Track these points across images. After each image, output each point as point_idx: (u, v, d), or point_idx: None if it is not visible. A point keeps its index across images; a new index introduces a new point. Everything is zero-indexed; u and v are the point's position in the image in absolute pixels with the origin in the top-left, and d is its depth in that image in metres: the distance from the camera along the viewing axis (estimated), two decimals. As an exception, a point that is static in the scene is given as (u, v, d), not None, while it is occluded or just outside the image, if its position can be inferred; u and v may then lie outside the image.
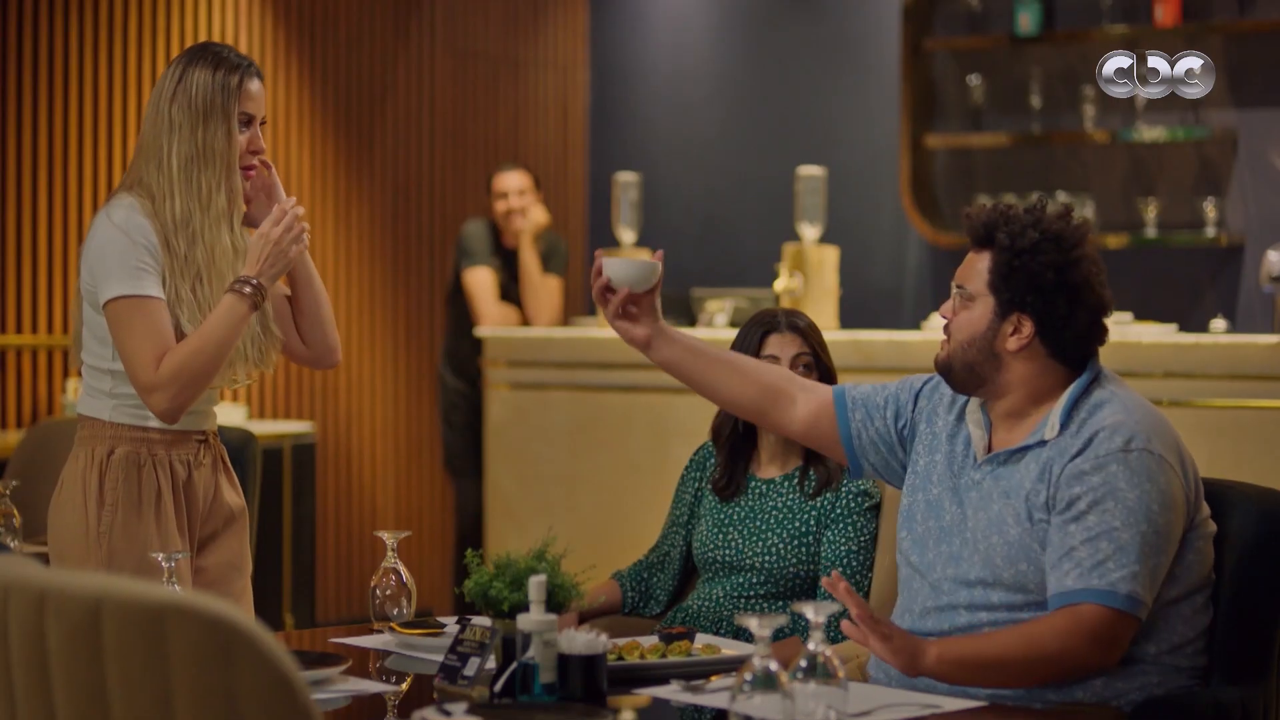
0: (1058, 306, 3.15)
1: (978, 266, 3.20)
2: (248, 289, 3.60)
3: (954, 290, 3.24)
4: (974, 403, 3.29)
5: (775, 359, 3.87)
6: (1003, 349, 3.17)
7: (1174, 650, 3.14)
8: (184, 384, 3.57)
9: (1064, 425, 3.14)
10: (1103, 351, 6.18)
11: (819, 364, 3.91)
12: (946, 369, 3.24)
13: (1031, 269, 3.13)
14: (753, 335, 3.92)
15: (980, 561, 3.17)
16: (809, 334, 3.92)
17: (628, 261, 3.46)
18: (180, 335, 3.60)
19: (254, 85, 3.70)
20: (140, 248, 3.57)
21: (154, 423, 3.66)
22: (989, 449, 3.25)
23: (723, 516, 3.92)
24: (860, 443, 3.44)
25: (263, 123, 3.74)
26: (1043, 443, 3.15)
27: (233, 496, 3.84)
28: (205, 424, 3.76)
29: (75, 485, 3.67)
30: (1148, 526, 3.02)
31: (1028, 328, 3.16)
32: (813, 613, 2.45)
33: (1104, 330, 3.24)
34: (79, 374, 3.75)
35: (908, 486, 3.36)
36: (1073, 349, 3.19)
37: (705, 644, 3.32)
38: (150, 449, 3.66)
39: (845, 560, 3.77)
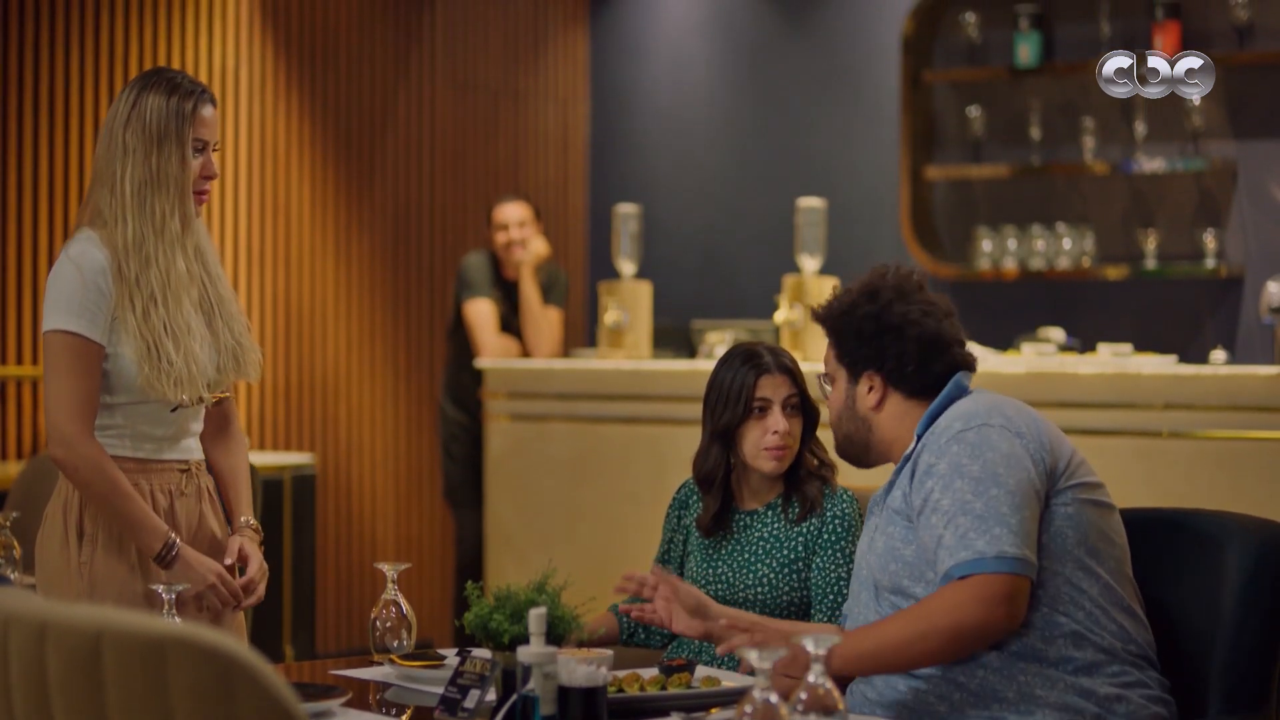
0: (887, 348, 3.36)
1: (826, 350, 3.48)
2: (162, 551, 3.64)
3: (819, 384, 3.52)
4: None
5: (768, 401, 3.86)
6: (865, 410, 3.40)
7: (1076, 634, 3.13)
8: (79, 476, 3.62)
9: (920, 436, 3.30)
10: (1104, 382, 6.20)
11: (804, 402, 3.91)
12: (841, 452, 3.50)
13: (853, 326, 3.39)
14: (746, 378, 3.87)
15: (892, 591, 3.24)
16: (795, 373, 3.91)
17: None
18: (121, 362, 3.62)
19: (208, 111, 3.71)
20: (91, 286, 3.60)
21: (133, 453, 3.67)
22: None
23: (711, 552, 3.91)
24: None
25: (215, 148, 3.75)
26: (907, 457, 3.31)
27: (218, 527, 3.84)
28: (187, 453, 3.77)
29: (56, 518, 3.69)
30: (998, 489, 3.13)
31: (877, 380, 3.39)
32: (812, 645, 2.45)
33: (955, 357, 3.39)
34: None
35: None
36: (920, 383, 3.38)
37: (706, 676, 3.32)
38: (130, 479, 3.66)
39: (834, 586, 3.77)
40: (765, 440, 3.84)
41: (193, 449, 3.79)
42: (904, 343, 3.35)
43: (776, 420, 3.85)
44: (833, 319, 3.42)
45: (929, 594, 3.14)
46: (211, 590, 3.70)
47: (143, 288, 3.63)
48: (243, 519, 3.85)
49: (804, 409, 3.91)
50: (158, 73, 3.73)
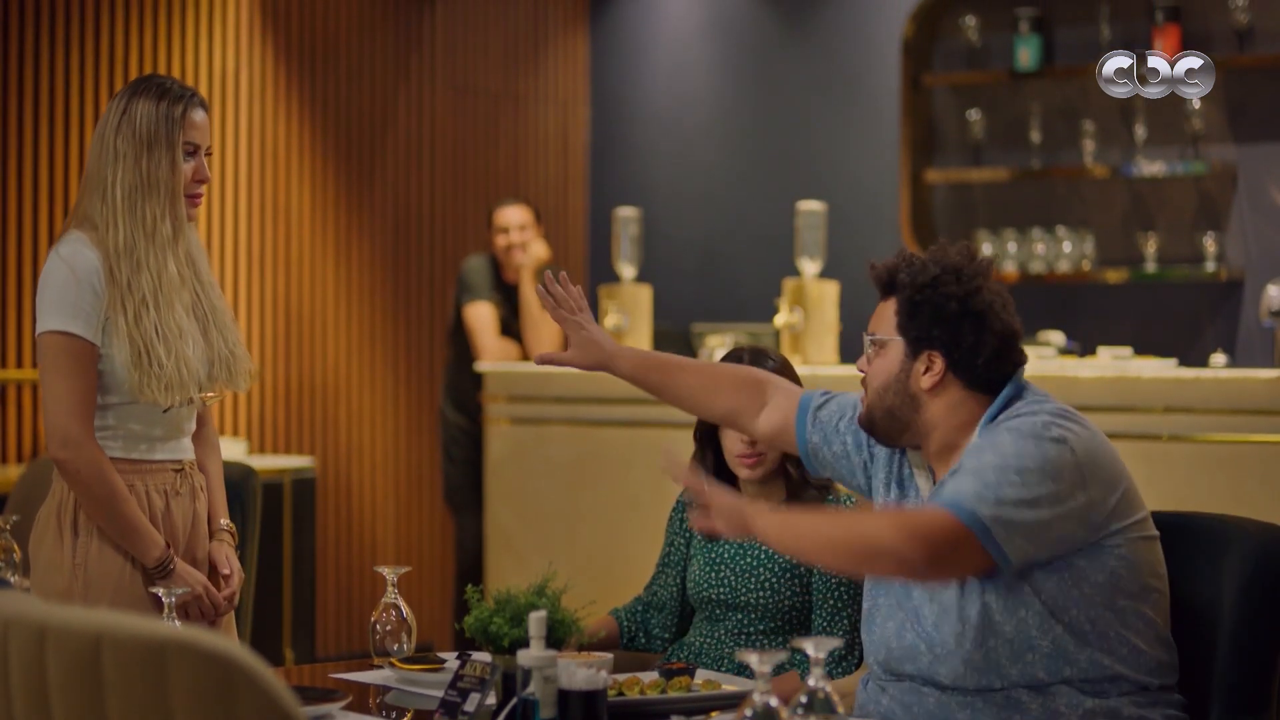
0: (964, 335, 3.20)
1: (885, 313, 3.28)
2: (158, 562, 3.64)
3: (866, 341, 3.31)
4: (913, 455, 3.33)
5: None
6: (918, 389, 3.23)
7: (1135, 661, 3.11)
8: (79, 478, 3.61)
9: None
10: (1104, 386, 6.20)
11: None
12: (869, 421, 3.30)
13: (934, 301, 3.20)
14: None
15: (940, 621, 3.18)
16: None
17: None
18: (112, 364, 3.62)
19: (198, 115, 3.73)
20: (85, 286, 3.61)
21: (126, 453, 3.68)
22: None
23: (713, 555, 3.90)
24: (817, 458, 3.51)
25: (208, 152, 3.76)
26: None
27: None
28: (181, 453, 3.78)
29: (50, 519, 3.70)
30: (1018, 478, 3.03)
31: (939, 364, 3.21)
32: (813, 648, 2.45)
33: (1019, 354, 3.26)
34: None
35: None
36: (985, 376, 3.22)
37: (705, 679, 3.32)
38: (125, 480, 3.67)
39: (835, 592, 3.76)
40: (735, 448, 3.87)
41: (186, 448, 3.79)
42: (983, 333, 3.19)
43: None
44: (912, 289, 3.22)
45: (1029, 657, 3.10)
46: (196, 601, 3.72)
47: (134, 292, 3.64)
48: (221, 522, 3.87)
49: None
50: (147, 79, 3.76)
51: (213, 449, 3.94)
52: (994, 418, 3.18)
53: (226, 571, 3.80)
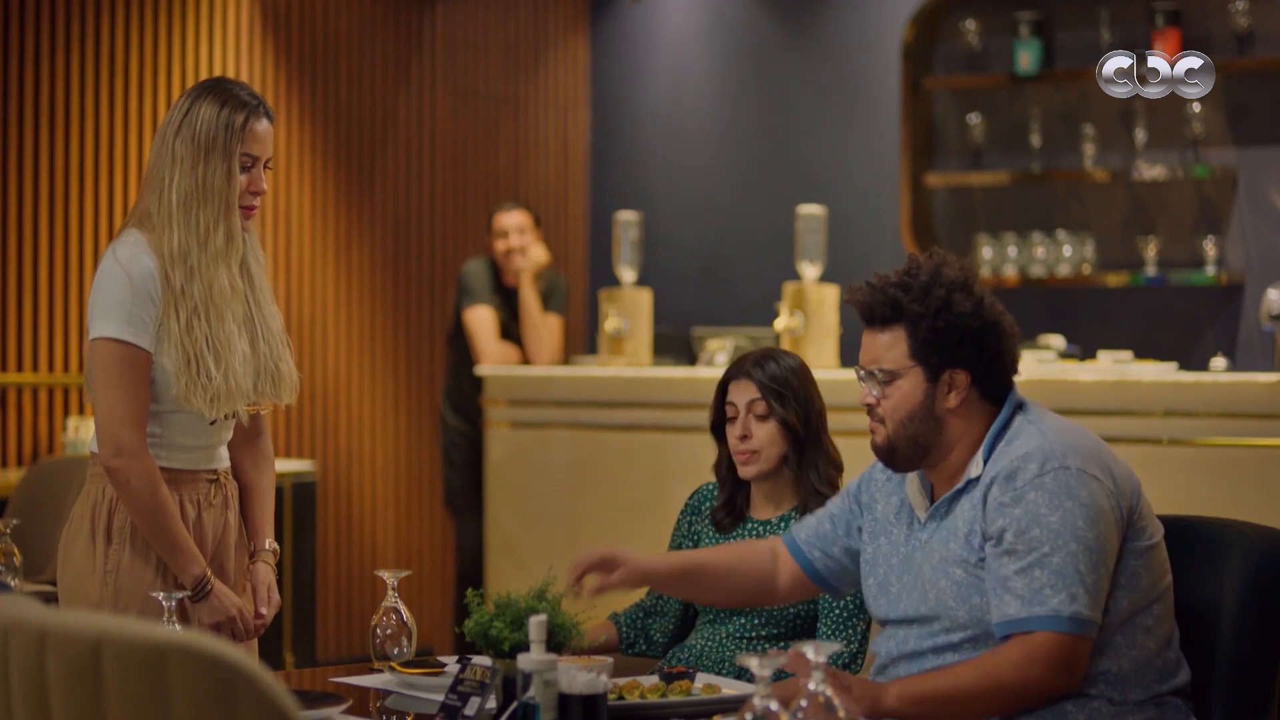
0: (987, 346, 3.19)
1: (886, 344, 3.22)
2: (196, 581, 3.61)
3: (867, 374, 3.24)
4: (909, 479, 3.32)
5: (735, 406, 3.88)
6: (943, 410, 3.20)
7: (1143, 666, 3.12)
8: (130, 488, 3.57)
9: (986, 460, 3.18)
10: (1104, 389, 6.20)
11: (775, 413, 3.87)
12: (889, 452, 3.25)
13: (955, 323, 3.16)
14: (722, 383, 3.94)
15: (933, 607, 3.19)
16: (762, 382, 3.86)
17: None
18: (162, 371, 3.59)
19: (261, 126, 3.65)
20: (141, 293, 3.55)
21: (164, 461, 3.65)
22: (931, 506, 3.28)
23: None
24: (830, 574, 3.48)
25: (268, 165, 3.70)
26: (972, 482, 3.18)
27: (238, 535, 3.83)
28: (216, 462, 3.75)
29: (84, 522, 3.66)
30: (1077, 545, 3.04)
31: (962, 379, 3.19)
32: (813, 653, 2.44)
33: (1018, 355, 3.28)
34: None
35: (862, 571, 3.39)
36: (1001, 381, 3.23)
37: (705, 684, 3.32)
38: None
39: (842, 601, 3.76)
40: (733, 445, 3.89)
41: (222, 457, 3.77)
42: (1001, 338, 3.19)
43: (738, 425, 3.87)
44: (931, 316, 3.16)
45: (993, 644, 3.10)
46: (230, 623, 3.69)
47: (187, 299, 3.59)
48: (267, 544, 3.83)
49: (779, 420, 3.88)
50: (217, 82, 3.68)
51: (268, 462, 3.89)
52: (996, 437, 3.18)
53: (265, 610, 3.78)
